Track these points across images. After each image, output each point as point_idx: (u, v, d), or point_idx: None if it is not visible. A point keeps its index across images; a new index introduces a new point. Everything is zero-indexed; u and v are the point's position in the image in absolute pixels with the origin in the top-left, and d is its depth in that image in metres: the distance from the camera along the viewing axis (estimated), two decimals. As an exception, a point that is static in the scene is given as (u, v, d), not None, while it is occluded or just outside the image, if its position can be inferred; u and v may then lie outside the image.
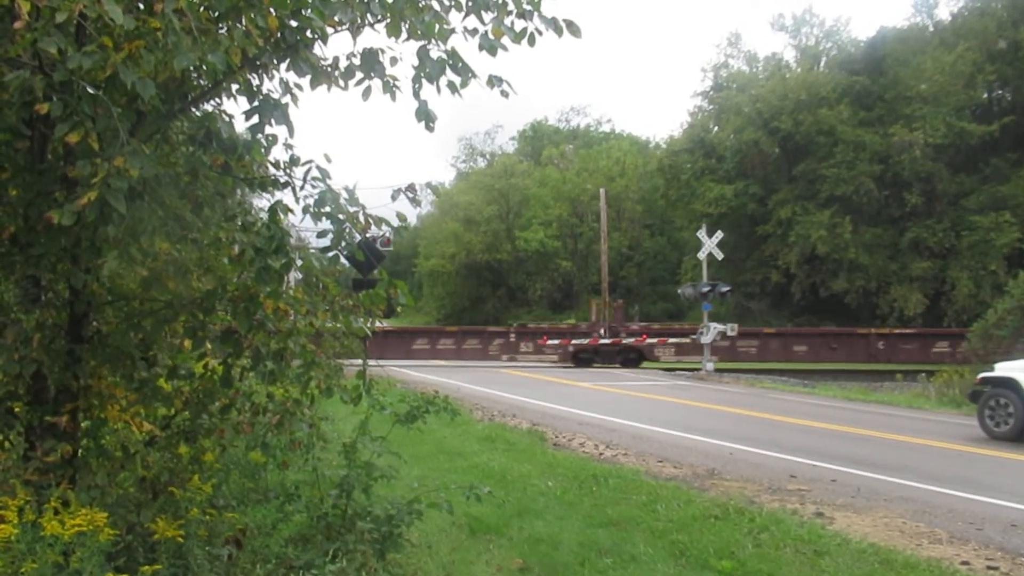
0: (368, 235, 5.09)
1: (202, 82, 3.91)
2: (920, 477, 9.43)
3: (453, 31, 3.98)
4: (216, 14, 3.48)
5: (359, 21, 3.83)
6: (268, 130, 3.88)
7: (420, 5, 3.89)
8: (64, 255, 3.83)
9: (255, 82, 3.87)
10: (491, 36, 3.95)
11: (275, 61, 3.78)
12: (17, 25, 2.96)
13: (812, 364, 31.03)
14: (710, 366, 26.48)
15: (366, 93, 4.02)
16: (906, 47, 38.97)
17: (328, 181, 3.94)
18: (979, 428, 12.94)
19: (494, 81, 4.08)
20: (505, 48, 3.98)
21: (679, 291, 31.73)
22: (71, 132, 3.16)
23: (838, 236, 36.24)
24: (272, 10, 3.46)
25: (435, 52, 3.96)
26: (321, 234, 4.03)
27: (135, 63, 3.11)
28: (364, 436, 5.05)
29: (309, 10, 3.61)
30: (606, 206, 43.09)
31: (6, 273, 4.08)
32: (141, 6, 3.37)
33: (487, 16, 3.96)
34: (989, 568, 6.13)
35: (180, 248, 4.07)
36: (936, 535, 7.03)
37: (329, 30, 3.79)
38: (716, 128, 45.74)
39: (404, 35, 3.91)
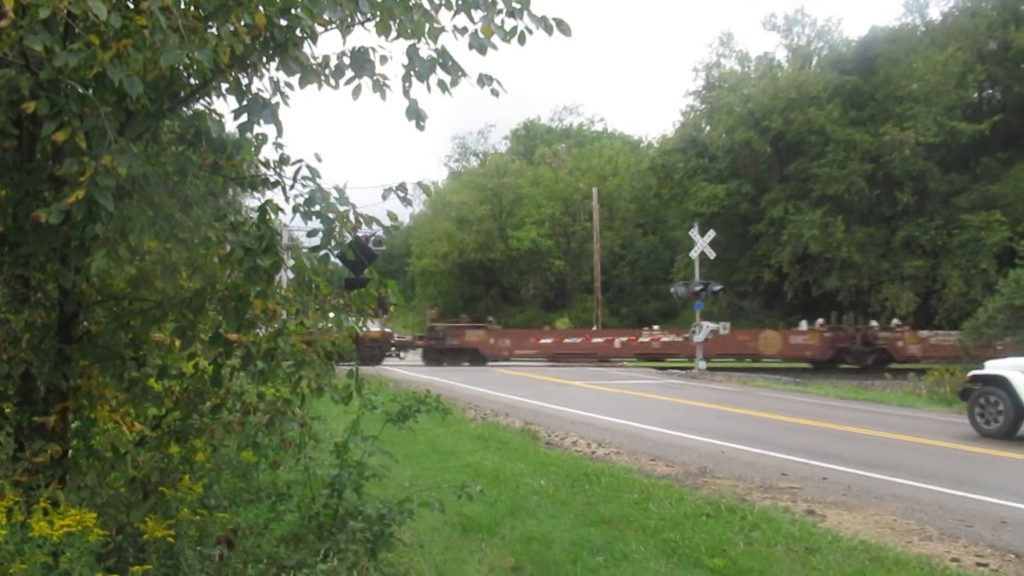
0: (361, 234, 5.08)
1: (191, 81, 3.89)
2: (911, 475, 9.47)
3: (443, 30, 3.98)
4: (204, 12, 3.47)
5: (349, 20, 3.81)
6: (257, 129, 3.87)
7: (410, 3, 3.88)
8: (53, 255, 3.81)
9: (244, 81, 3.85)
10: (481, 35, 3.94)
11: (264, 60, 3.76)
12: (2, 23, 2.95)
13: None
14: (703, 364, 26.59)
15: (356, 92, 4.00)
16: (897, 47, 39.11)
17: (318, 180, 3.93)
18: (969, 426, 13.01)
19: (484, 80, 4.07)
20: (495, 47, 3.97)
21: (672, 290, 31.86)
22: (58, 131, 3.15)
23: (830, 235, 36.36)
24: (261, 8, 3.45)
25: (425, 51, 3.95)
26: (311, 233, 4.02)
27: (123, 61, 3.10)
28: (355, 435, 5.03)
29: (298, 9, 3.60)
30: (598, 205, 43.29)
31: (-5, 273, 4.06)
32: (130, 4, 3.35)
33: (477, 14, 3.95)
34: (979, 565, 6.16)
35: (169, 247, 4.05)
36: (926, 532, 7.06)
37: (319, 29, 3.78)
38: (708, 127, 45.84)
39: (394, 34, 3.89)
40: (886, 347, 29.95)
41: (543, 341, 32.41)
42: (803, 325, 32.72)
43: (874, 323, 32.53)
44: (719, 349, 30.40)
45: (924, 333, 31.19)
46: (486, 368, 27.77)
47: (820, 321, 32.71)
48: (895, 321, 32.60)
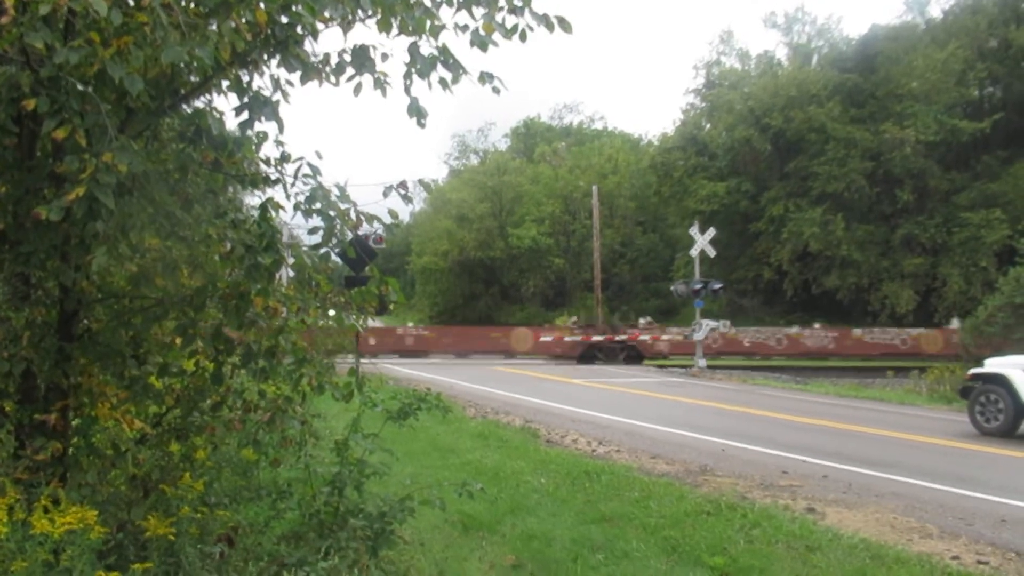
0: (361, 232, 5.08)
1: (192, 78, 3.88)
2: (911, 473, 9.47)
3: (444, 27, 3.96)
4: (205, 9, 3.46)
5: (350, 17, 3.80)
6: (258, 127, 3.86)
7: (411, 1, 3.88)
8: (54, 252, 3.80)
9: (245, 78, 3.84)
10: (482, 32, 3.93)
11: (265, 57, 3.75)
12: (3, 20, 2.94)
13: (805, 361, 31.29)
14: (702, 362, 26.61)
15: (357, 89, 3.99)
16: (898, 45, 39.11)
17: (319, 178, 3.93)
18: (969, 424, 13.02)
19: (485, 78, 4.07)
20: (496, 44, 3.96)
21: (671, 288, 31.91)
22: (59, 128, 3.14)
23: (830, 233, 36.38)
24: (262, 5, 3.43)
25: (426, 48, 3.94)
26: (312, 231, 4.01)
27: (123, 59, 3.09)
28: (356, 433, 5.04)
29: (300, 6, 3.59)
30: (598, 203, 43.20)
31: (-4, 271, 4.05)
32: (131, 1, 3.34)
33: (478, 12, 3.94)
34: (979, 563, 6.16)
35: (170, 245, 4.05)
36: (927, 530, 7.06)
37: (320, 26, 3.76)
38: (708, 125, 45.86)
39: (395, 31, 3.88)
40: (635, 344, 30.65)
41: None
42: (571, 322, 33.64)
43: (648, 318, 34.24)
44: (474, 346, 31.00)
45: (674, 329, 32.48)
46: (486, 366, 27.75)
47: (573, 319, 34.21)
48: (645, 319, 33.60)
